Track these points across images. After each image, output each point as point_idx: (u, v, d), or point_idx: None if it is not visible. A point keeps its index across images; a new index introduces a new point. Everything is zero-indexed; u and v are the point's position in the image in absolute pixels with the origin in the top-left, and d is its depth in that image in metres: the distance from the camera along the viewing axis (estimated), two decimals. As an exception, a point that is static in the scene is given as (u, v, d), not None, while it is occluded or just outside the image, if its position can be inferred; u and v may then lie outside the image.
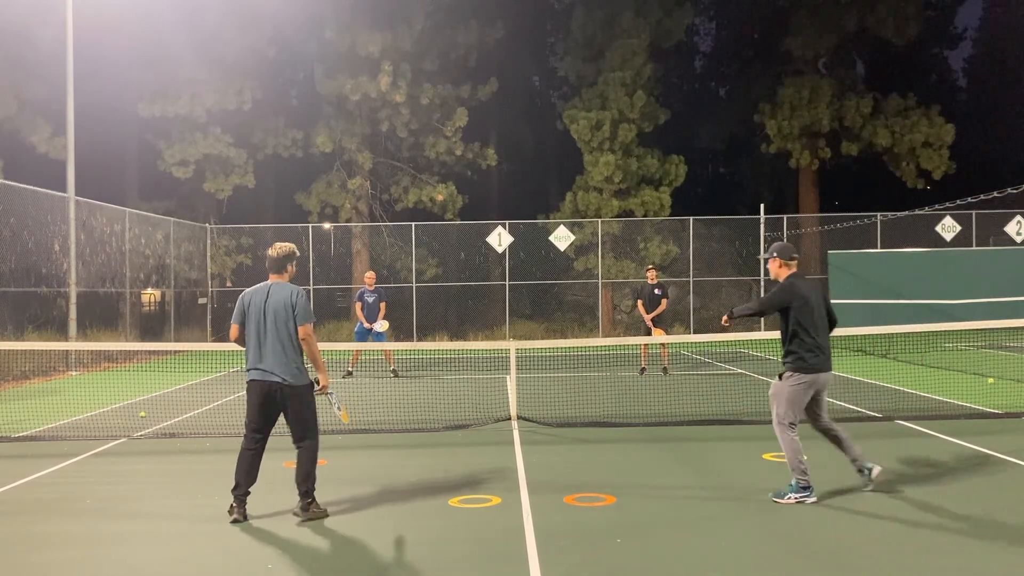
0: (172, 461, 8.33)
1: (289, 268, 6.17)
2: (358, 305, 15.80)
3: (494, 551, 5.35)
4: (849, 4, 27.85)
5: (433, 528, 5.86)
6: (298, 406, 5.99)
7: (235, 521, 5.96)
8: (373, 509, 6.44)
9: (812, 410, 6.56)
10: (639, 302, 15.42)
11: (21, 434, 9.86)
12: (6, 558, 5.39)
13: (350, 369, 15.67)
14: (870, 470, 6.53)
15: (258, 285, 6.18)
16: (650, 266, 15.94)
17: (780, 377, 6.50)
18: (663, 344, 15.31)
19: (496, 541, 5.55)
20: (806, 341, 6.37)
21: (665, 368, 15.00)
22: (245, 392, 6.09)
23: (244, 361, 6.13)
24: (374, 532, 5.82)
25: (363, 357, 16.78)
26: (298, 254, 6.34)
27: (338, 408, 6.44)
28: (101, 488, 7.24)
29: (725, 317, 6.78)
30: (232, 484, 6.16)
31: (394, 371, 15.64)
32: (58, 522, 6.21)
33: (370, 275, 16.16)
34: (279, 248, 6.20)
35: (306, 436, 6.08)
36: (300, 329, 5.93)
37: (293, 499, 6.82)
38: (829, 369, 6.48)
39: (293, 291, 6.03)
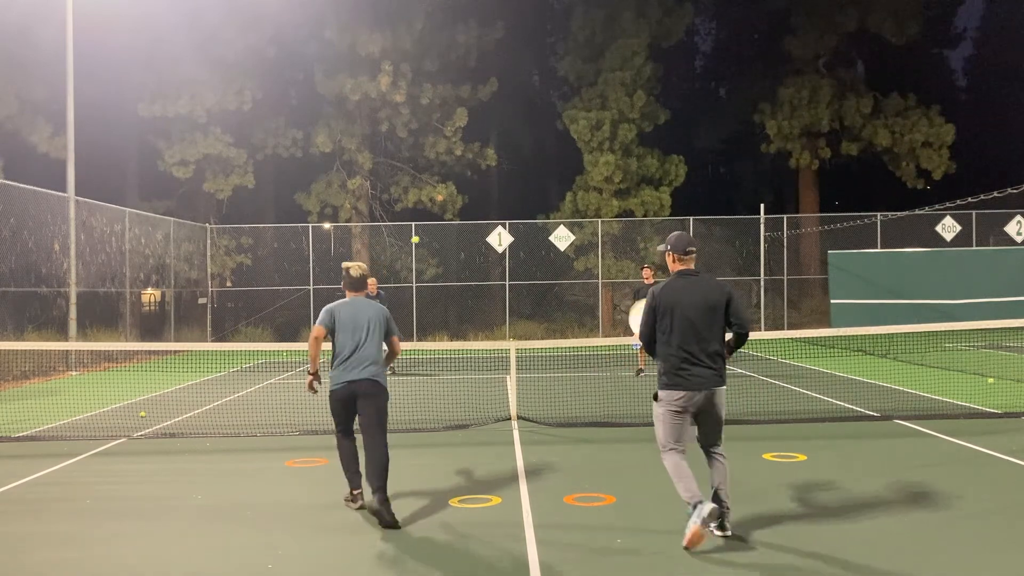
0: (172, 461, 8.33)
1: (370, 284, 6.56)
2: None
3: (494, 551, 5.36)
4: (849, 4, 27.85)
5: (433, 528, 5.86)
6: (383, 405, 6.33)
7: (361, 507, 6.34)
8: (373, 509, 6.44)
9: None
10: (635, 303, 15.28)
11: (21, 434, 9.86)
12: (6, 558, 5.40)
13: None
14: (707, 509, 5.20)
15: (344, 300, 6.51)
16: (646, 265, 15.17)
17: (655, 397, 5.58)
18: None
19: (496, 541, 5.55)
20: (669, 353, 5.44)
21: (639, 369, 14.90)
22: (332, 396, 6.30)
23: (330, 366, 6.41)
24: (374, 532, 5.82)
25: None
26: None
27: None
28: (101, 488, 7.24)
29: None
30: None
31: (391, 369, 15.62)
32: (58, 522, 6.21)
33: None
34: (362, 267, 6.59)
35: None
36: (394, 339, 6.50)
37: (294, 499, 6.82)
38: (698, 388, 5.40)
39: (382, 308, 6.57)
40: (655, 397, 5.55)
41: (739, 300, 5.61)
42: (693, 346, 5.39)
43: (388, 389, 6.32)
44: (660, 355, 5.51)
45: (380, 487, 5.98)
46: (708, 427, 5.58)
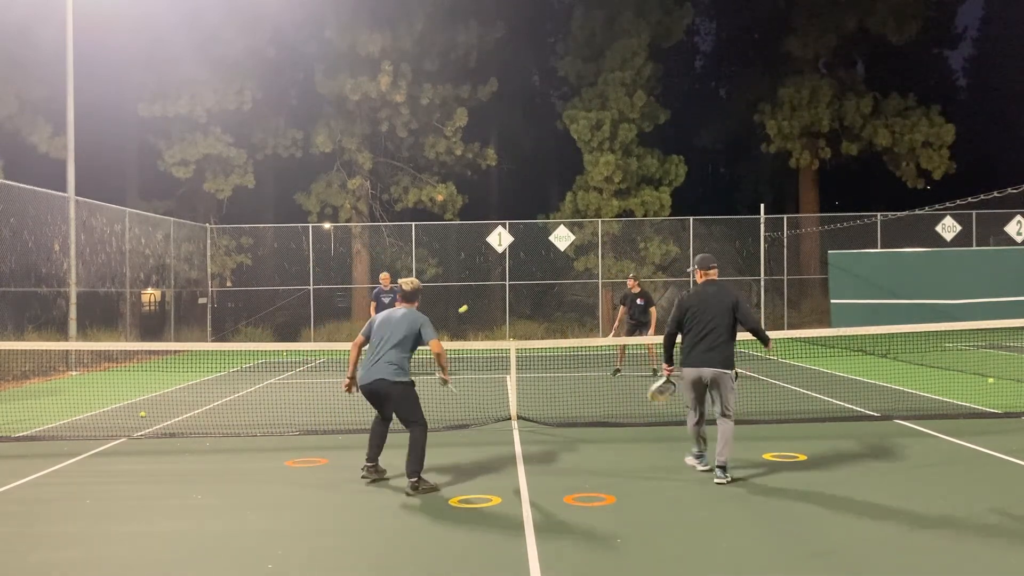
0: (172, 461, 8.33)
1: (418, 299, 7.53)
2: (372, 305, 15.35)
3: (494, 551, 5.36)
4: (849, 4, 27.84)
5: (433, 528, 5.87)
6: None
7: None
8: (373, 509, 6.44)
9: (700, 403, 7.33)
10: (621, 308, 15.31)
11: (21, 434, 9.87)
12: (6, 558, 5.40)
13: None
14: (720, 469, 7.04)
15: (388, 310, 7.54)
16: (631, 275, 15.37)
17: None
18: (649, 346, 15.16)
19: (496, 541, 5.55)
20: (685, 341, 7.29)
21: (655, 369, 14.89)
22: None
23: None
24: (374, 532, 5.82)
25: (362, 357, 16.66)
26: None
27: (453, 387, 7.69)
28: (101, 488, 7.24)
29: (666, 368, 7.56)
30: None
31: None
32: (58, 522, 6.21)
33: (385, 275, 15.71)
34: (413, 283, 7.53)
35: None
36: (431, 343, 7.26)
37: (296, 499, 6.83)
38: (698, 365, 7.13)
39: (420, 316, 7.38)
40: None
41: (745, 303, 7.39)
42: (704, 337, 7.17)
43: (411, 383, 7.12)
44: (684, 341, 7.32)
45: (409, 473, 6.87)
46: (711, 399, 7.26)
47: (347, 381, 7.36)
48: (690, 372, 7.19)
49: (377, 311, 15.32)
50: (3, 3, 19.44)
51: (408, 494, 6.76)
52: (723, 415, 7.12)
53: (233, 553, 5.43)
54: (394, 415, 7.21)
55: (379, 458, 7.33)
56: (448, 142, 26.42)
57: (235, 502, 6.66)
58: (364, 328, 7.39)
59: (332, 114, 26.21)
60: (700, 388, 7.21)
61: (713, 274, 7.53)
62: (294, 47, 26.53)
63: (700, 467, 7.42)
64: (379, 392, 7.05)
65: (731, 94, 37.12)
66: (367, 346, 7.30)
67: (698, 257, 7.72)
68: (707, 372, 7.10)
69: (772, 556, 5.18)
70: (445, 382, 7.36)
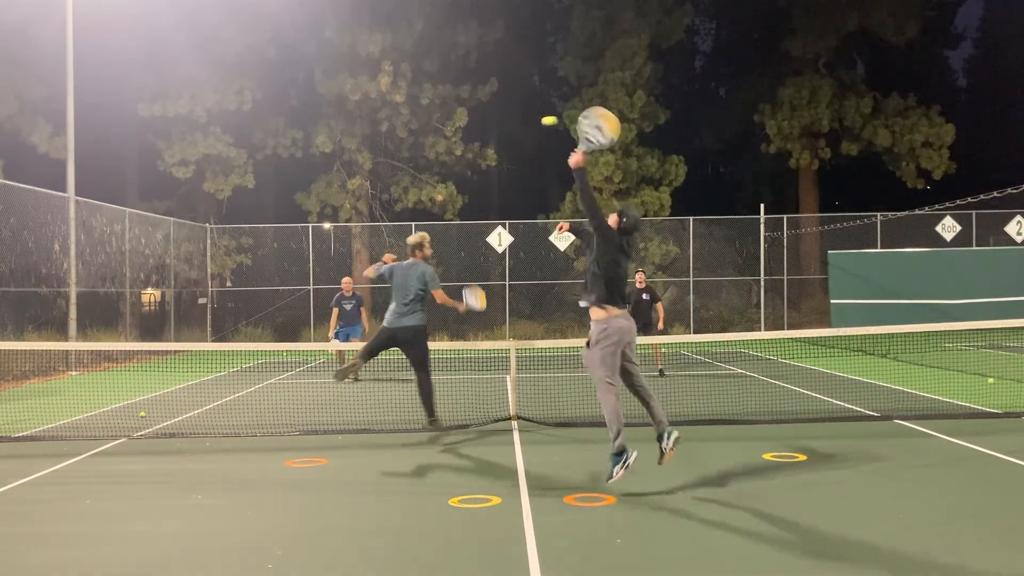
0: (172, 461, 8.32)
1: (418, 253, 8.93)
2: (335, 312, 15.29)
3: (494, 551, 5.35)
4: (849, 4, 27.85)
5: (433, 528, 5.86)
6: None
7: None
8: (373, 509, 6.44)
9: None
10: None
11: (21, 434, 9.86)
12: (6, 558, 5.39)
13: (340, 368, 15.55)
14: (668, 436, 6.73)
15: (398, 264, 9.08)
16: (639, 269, 15.23)
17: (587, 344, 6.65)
18: (655, 346, 15.11)
19: (496, 541, 5.55)
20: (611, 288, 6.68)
21: (661, 370, 14.89)
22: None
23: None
24: (374, 532, 5.82)
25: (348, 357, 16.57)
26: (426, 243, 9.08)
27: (475, 300, 8.92)
28: (101, 488, 7.24)
29: (578, 155, 6.65)
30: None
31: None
32: (58, 522, 6.21)
33: (347, 280, 15.70)
34: (422, 236, 9.02)
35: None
36: (435, 293, 8.87)
37: (296, 499, 6.84)
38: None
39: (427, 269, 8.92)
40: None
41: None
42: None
43: (424, 327, 8.70)
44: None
45: (427, 411, 8.65)
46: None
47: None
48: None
49: (340, 318, 15.27)
50: (3, 3, 19.44)
51: (425, 428, 8.68)
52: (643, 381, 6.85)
53: (233, 553, 5.43)
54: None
55: (434, 411, 8.87)
56: (448, 142, 26.42)
57: (235, 502, 6.66)
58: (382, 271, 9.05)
59: (332, 114, 26.21)
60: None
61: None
62: (294, 47, 26.53)
63: (629, 460, 6.54)
64: (405, 332, 8.58)
65: (731, 94, 37.11)
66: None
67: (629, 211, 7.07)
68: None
69: (772, 556, 5.17)
70: (461, 311, 8.92)
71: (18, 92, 21.29)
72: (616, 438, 6.51)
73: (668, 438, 6.71)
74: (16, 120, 21.71)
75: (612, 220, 6.70)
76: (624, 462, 6.44)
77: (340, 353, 15.59)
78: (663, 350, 15.75)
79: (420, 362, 8.79)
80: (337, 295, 15.57)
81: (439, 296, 8.84)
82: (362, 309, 15.43)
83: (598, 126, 6.50)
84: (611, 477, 6.46)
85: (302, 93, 28.91)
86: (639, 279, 14.84)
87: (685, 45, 36.91)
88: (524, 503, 6.42)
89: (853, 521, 5.83)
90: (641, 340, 14.46)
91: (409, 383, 14.52)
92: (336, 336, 15.26)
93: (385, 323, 8.85)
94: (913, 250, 22.45)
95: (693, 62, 41.83)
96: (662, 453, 6.74)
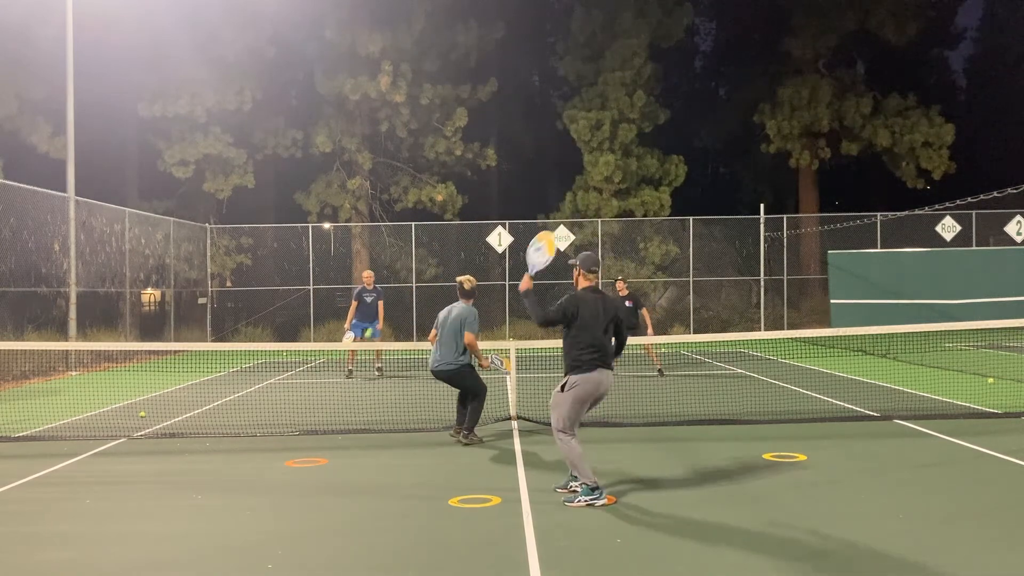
0: (172, 461, 8.33)
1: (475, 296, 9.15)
2: (354, 305, 15.24)
3: (494, 551, 5.36)
4: (849, 4, 27.84)
5: (433, 528, 5.87)
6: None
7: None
8: (373, 509, 6.44)
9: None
10: None
11: (21, 434, 9.86)
12: (6, 558, 5.40)
13: (350, 368, 15.62)
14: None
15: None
16: (620, 277, 14.97)
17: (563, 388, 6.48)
18: (648, 347, 15.07)
19: (496, 541, 5.55)
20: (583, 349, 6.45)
21: (660, 370, 14.87)
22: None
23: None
24: (374, 532, 5.82)
25: (359, 356, 16.62)
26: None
27: (500, 363, 9.23)
28: (101, 488, 7.24)
29: (526, 280, 6.76)
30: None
31: (380, 368, 15.56)
32: (58, 522, 6.21)
33: (368, 274, 15.66)
34: (471, 281, 9.22)
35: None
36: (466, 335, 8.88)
37: (296, 499, 6.84)
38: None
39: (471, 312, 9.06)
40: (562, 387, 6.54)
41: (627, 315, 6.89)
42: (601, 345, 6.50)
43: (465, 365, 8.81)
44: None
45: (466, 427, 8.85)
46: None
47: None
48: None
49: (359, 310, 15.25)
50: (3, 3, 19.43)
51: (460, 441, 8.74)
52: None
53: (233, 553, 5.43)
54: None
55: (461, 423, 8.96)
56: (448, 142, 26.42)
57: (235, 502, 6.66)
58: (436, 322, 9.20)
59: (332, 114, 26.20)
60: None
61: (594, 279, 6.75)
62: (294, 47, 26.51)
63: (600, 501, 6.32)
64: (442, 373, 8.87)
65: (731, 94, 37.11)
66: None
67: (582, 255, 6.85)
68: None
69: (772, 556, 5.17)
70: (483, 367, 9.00)
71: (18, 92, 21.28)
72: (591, 476, 6.41)
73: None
74: (16, 120, 21.69)
75: (575, 274, 6.75)
76: (594, 499, 6.29)
77: (352, 353, 15.61)
78: (662, 350, 15.75)
79: (470, 393, 9.02)
80: (359, 288, 15.51)
81: (468, 339, 8.81)
82: (380, 303, 15.36)
83: (537, 248, 6.96)
84: (571, 502, 6.32)
85: (302, 93, 28.91)
86: (620, 287, 14.65)
87: (685, 45, 36.85)
88: (524, 503, 6.42)
89: (853, 521, 5.84)
90: (632, 340, 14.51)
91: (409, 382, 14.61)
92: (352, 329, 15.19)
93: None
94: (913, 250, 22.45)
95: (693, 62, 41.80)
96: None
